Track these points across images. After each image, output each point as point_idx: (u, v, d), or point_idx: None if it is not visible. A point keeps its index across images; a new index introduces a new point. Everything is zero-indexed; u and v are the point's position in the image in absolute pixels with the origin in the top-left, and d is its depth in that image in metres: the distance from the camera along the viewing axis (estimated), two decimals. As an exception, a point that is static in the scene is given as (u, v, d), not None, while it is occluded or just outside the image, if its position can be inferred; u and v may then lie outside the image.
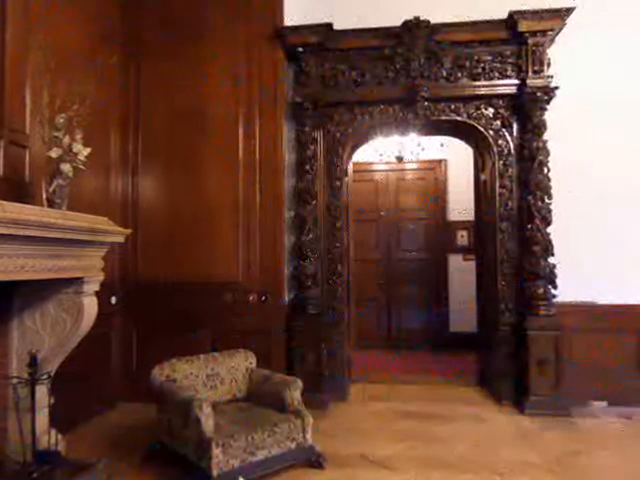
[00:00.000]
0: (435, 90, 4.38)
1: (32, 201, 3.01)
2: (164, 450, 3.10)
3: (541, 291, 4.17)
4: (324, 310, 4.50)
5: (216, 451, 2.67)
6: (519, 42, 4.25)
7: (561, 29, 4.19)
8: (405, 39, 4.35)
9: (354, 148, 4.97)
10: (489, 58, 4.35)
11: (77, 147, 2.86)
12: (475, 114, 4.43)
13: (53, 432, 2.76)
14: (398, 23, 4.34)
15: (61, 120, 2.85)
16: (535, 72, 4.21)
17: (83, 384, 3.79)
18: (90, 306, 2.90)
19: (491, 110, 4.41)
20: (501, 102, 4.39)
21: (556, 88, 4.16)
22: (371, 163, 6.94)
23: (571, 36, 4.25)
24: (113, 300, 4.44)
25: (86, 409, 3.92)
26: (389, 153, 6.49)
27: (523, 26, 4.14)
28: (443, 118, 4.48)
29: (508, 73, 4.32)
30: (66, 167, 2.82)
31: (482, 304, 5.05)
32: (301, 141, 4.48)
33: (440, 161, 7.02)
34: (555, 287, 4.22)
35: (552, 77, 4.19)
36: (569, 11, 4.10)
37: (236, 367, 3.49)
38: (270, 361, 4.26)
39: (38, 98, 2.99)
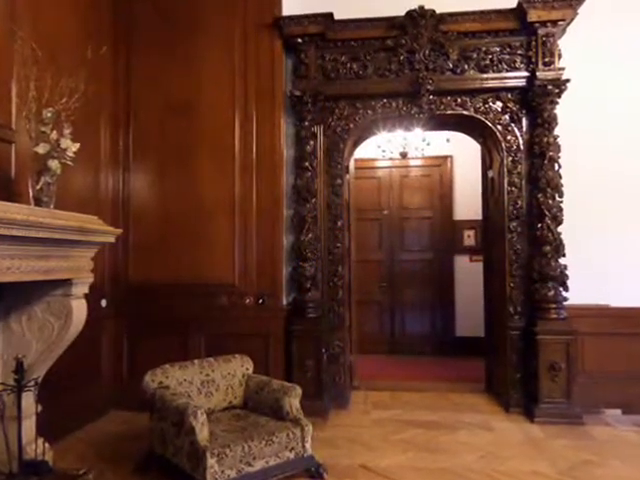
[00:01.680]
0: (440, 83, 4.38)
1: (18, 199, 3.01)
2: (157, 460, 3.10)
3: (552, 293, 4.17)
4: (324, 313, 4.50)
5: (211, 461, 2.66)
6: (529, 33, 4.25)
7: (572, 19, 4.19)
8: (409, 29, 4.35)
9: (356, 144, 4.98)
10: (497, 49, 4.35)
11: (65, 142, 2.85)
12: (482, 108, 4.43)
13: (40, 441, 2.76)
14: (402, 13, 4.34)
15: (49, 114, 2.84)
16: (545, 64, 4.21)
17: (72, 391, 3.79)
18: (79, 309, 2.90)
19: (499, 104, 4.41)
20: (510, 95, 4.39)
21: (567, 81, 4.16)
22: (374, 159, 6.94)
23: (582, 27, 4.26)
24: (103, 303, 4.44)
25: (75, 417, 3.92)
26: (392, 149, 6.49)
27: (533, 16, 4.13)
28: (449, 112, 4.48)
29: (517, 65, 4.32)
30: (54, 164, 2.82)
31: (490, 307, 5.06)
32: (300, 136, 4.48)
33: (446, 157, 7.02)
34: (566, 289, 4.21)
35: (563, 69, 4.19)
36: (581, 0, 4.10)
37: (232, 373, 3.48)
38: (268, 367, 4.27)
39: (24, 91, 2.98)
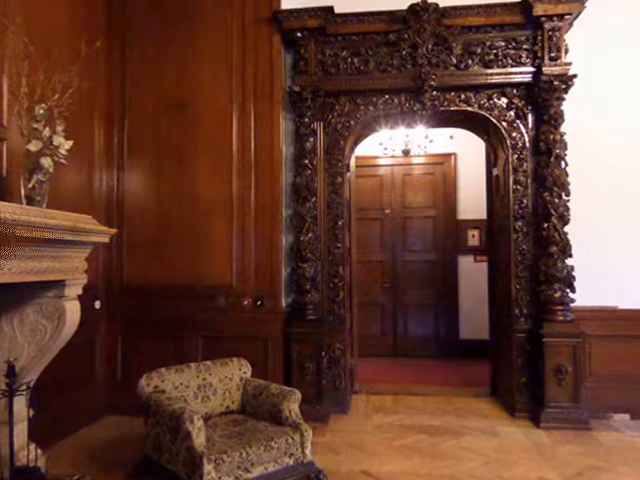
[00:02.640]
0: (444, 78, 4.38)
1: (10, 198, 3.02)
2: (151, 466, 3.10)
3: (558, 295, 4.17)
4: (324, 315, 4.50)
5: (208, 467, 2.66)
6: (534, 27, 4.25)
7: (580, 13, 4.19)
8: (412, 23, 4.35)
9: (357, 141, 4.98)
10: (502, 44, 4.35)
11: (58, 140, 2.85)
12: (487, 104, 4.43)
13: (32, 447, 2.75)
14: (404, 6, 4.34)
15: (41, 111, 2.84)
16: (552, 59, 4.21)
17: (65, 395, 3.80)
18: (72, 311, 2.89)
19: (504, 100, 4.41)
20: (515, 91, 4.39)
21: (574, 76, 4.16)
22: (375, 157, 6.94)
23: (589, 20, 4.25)
24: (97, 305, 4.44)
25: (68, 422, 3.92)
26: (394, 146, 6.49)
27: (539, 9, 4.13)
28: (452, 108, 4.49)
29: (523, 60, 4.32)
30: (46, 161, 2.81)
31: (494, 309, 5.05)
32: (300, 133, 4.48)
33: (449, 155, 7.02)
34: (573, 291, 4.21)
35: (570, 64, 4.18)
36: (588, -7, 4.11)
37: (230, 377, 3.48)
38: (266, 370, 4.28)
39: (16, 87, 2.98)
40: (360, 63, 4.48)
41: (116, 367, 4.56)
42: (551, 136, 4.20)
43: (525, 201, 4.38)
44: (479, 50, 4.37)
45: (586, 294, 4.22)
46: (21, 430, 2.72)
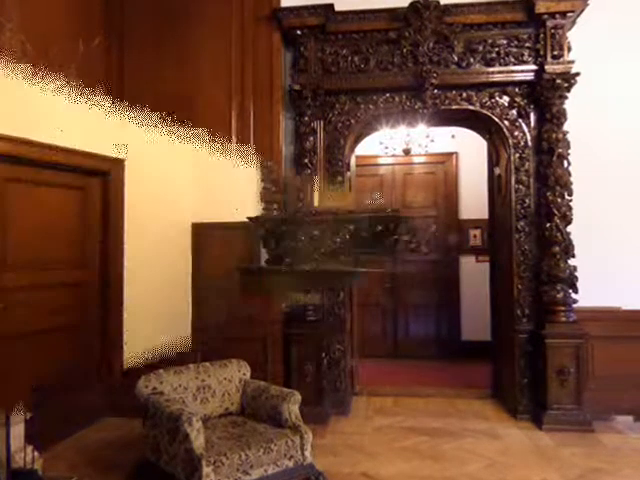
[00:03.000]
0: (445, 77, 4.37)
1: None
2: (150, 468, 3.09)
3: (561, 295, 4.17)
4: (325, 316, 4.49)
5: (207, 470, 2.66)
6: (537, 24, 4.24)
7: (582, 10, 4.18)
8: (413, 21, 4.34)
9: (357, 140, 4.97)
10: (504, 42, 4.34)
11: (55, 139, 2.85)
12: (489, 103, 4.42)
13: (29, 449, 2.76)
14: (405, 4, 4.33)
15: (38, 109, 2.84)
16: (554, 57, 4.20)
17: (63, 397, 3.78)
18: (70, 312, 2.89)
19: (506, 98, 4.41)
20: (517, 90, 4.38)
21: (577, 74, 4.15)
22: (376, 156, 6.92)
23: (591, 18, 4.24)
24: (95, 305, 4.43)
25: (65, 424, 3.91)
26: (395, 145, 6.48)
27: (541, 7, 4.13)
28: (454, 107, 4.48)
29: (525, 58, 4.31)
30: (43, 161, 2.81)
31: (496, 310, 5.05)
32: (300, 132, 4.47)
33: (451, 154, 7.01)
34: (576, 291, 4.21)
35: (573, 62, 4.18)
36: (591, -9, 4.10)
37: (229, 378, 3.48)
38: (266, 372, 4.27)
39: (13, 85, 2.99)
40: (360, 61, 4.47)
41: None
42: (553, 135, 4.19)
43: (527, 201, 4.38)
44: (481, 48, 4.36)
45: (589, 295, 4.21)
46: (18, 432, 2.72)
